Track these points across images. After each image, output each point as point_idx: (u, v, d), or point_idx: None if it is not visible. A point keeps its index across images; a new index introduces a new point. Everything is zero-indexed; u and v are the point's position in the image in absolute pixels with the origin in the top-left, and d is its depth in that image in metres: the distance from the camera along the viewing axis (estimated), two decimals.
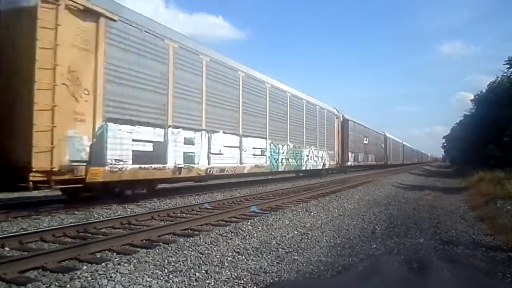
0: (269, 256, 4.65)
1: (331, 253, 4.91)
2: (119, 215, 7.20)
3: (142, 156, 8.09)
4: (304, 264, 4.40)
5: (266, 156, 13.99)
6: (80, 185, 6.91)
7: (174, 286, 3.51)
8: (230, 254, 4.64)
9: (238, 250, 4.82)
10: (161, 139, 8.70)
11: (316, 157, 19.66)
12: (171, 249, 4.67)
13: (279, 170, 15.41)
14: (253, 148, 13.05)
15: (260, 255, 4.67)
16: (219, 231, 5.74)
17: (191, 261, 4.25)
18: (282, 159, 15.42)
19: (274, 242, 5.33)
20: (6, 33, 6.50)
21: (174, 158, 9.08)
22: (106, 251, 4.60)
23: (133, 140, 7.87)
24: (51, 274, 3.67)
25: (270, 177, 17.87)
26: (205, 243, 5.04)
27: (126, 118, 7.72)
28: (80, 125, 6.80)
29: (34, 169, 5.97)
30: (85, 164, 6.84)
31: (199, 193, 11.21)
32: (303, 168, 18.14)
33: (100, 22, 7.10)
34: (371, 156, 32.89)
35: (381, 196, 12.35)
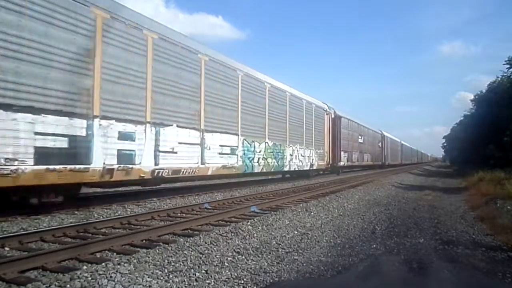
0: (269, 256, 4.65)
1: (331, 253, 4.91)
2: (119, 215, 7.20)
3: (51, 155, 6.30)
4: (304, 264, 4.40)
5: (237, 155, 12.01)
6: None
7: (174, 286, 3.51)
8: (230, 254, 4.64)
9: (238, 250, 4.82)
10: (82, 133, 6.87)
11: (302, 157, 17.77)
12: (171, 249, 4.67)
13: (255, 171, 13.38)
14: (220, 146, 11.10)
15: (260, 255, 4.67)
16: (219, 231, 5.75)
17: (191, 261, 4.25)
18: (259, 158, 13.46)
19: (274, 242, 5.33)
20: None
21: (103, 157, 7.26)
22: (106, 251, 4.60)
23: (36, 134, 6.08)
24: (51, 274, 3.67)
25: (244, 179, 16.37)
26: (205, 243, 5.05)
27: (23, 104, 5.90)
28: None
29: None
30: None
31: (199, 193, 11.21)
32: (286, 168, 16.26)
33: None
34: (367, 155, 31.48)
35: (381, 196, 12.35)
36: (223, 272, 3.97)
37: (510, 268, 4.31)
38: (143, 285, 3.45)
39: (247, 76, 12.74)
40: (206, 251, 4.68)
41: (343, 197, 10.97)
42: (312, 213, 7.90)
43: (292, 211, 7.89)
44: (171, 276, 3.73)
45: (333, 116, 22.82)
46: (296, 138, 17.11)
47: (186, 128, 9.60)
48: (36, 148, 6.10)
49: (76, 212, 7.30)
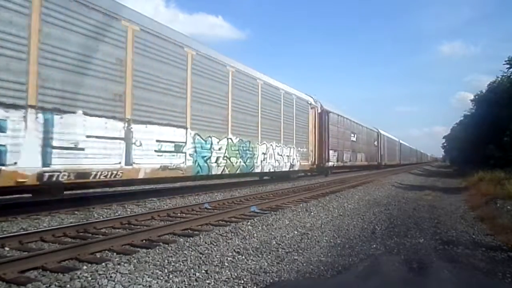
0: (269, 256, 4.65)
1: (331, 253, 4.91)
2: (119, 215, 7.21)
3: None
4: (304, 264, 4.40)
5: (185, 153, 9.65)
6: None
7: (174, 286, 3.51)
8: (230, 254, 4.64)
9: (238, 250, 4.82)
10: None
11: (280, 156, 15.45)
12: (171, 249, 4.67)
13: (213, 173, 10.97)
14: (159, 141, 8.75)
15: (260, 255, 4.67)
16: (219, 231, 5.75)
17: (191, 261, 4.25)
18: (218, 157, 11.07)
19: (274, 242, 5.33)
20: None
21: None
22: (106, 251, 4.60)
23: None
24: (51, 274, 3.67)
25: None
26: (205, 243, 5.05)
27: None
28: None
29: None
30: None
31: (199, 193, 11.21)
32: (258, 170, 13.64)
33: None
34: (360, 155, 29.15)
35: (381, 196, 12.35)
36: (223, 272, 3.97)
37: (510, 268, 4.30)
38: (143, 285, 3.45)
39: (201, 57, 10.39)
40: (206, 251, 4.68)
41: (343, 197, 10.97)
42: (312, 213, 7.90)
43: (292, 211, 7.89)
44: (171, 276, 3.73)
45: (319, 110, 20.35)
46: (272, 134, 14.78)
47: (100, 116, 7.32)
48: None
49: (76, 212, 7.31)
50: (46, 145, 6.41)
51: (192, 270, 3.93)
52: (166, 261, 4.20)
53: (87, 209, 7.58)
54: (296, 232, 6.09)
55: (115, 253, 4.54)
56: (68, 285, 3.37)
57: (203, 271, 3.93)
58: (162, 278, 3.66)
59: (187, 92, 9.77)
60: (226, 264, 4.25)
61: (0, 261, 3.78)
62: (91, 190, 9.22)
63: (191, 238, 5.29)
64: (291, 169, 16.68)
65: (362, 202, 10.46)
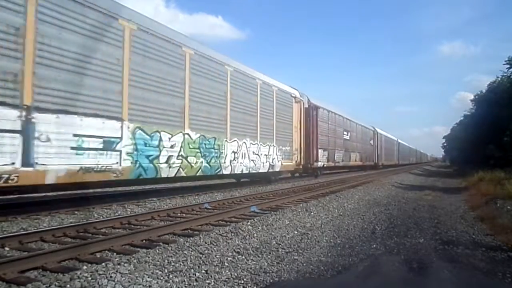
0: (269, 256, 4.65)
1: (331, 253, 4.91)
2: (119, 215, 7.21)
3: None
4: (304, 264, 4.40)
5: (120, 151, 7.66)
6: None
7: (174, 286, 3.51)
8: (230, 254, 4.64)
9: (238, 250, 4.82)
10: None
11: (256, 155, 13.27)
12: (171, 249, 4.67)
13: (163, 176, 8.90)
14: (77, 135, 6.78)
15: (260, 255, 4.67)
16: (219, 231, 5.75)
17: (191, 261, 4.25)
18: (169, 157, 9.07)
19: (274, 242, 5.33)
20: None
21: None
22: (106, 251, 4.60)
23: None
24: (51, 274, 3.67)
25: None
26: (205, 243, 5.05)
27: None
28: None
29: None
30: None
31: (199, 193, 11.22)
32: (226, 171, 11.56)
33: None
34: (354, 154, 27.15)
35: (381, 196, 12.35)
36: (223, 272, 3.97)
37: (510, 268, 4.30)
38: (143, 285, 3.45)
39: (143, 31, 8.27)
40: (206, 251, 4.68)
41: (343, 197, 10.97)
42: (312, 213, 7.90)
43: (292, 211, 7.89)
44: (171, 276, 3.73)
45: (306, 105, 18.09)
46: (245, 130, 12.62)
47: None
48: None
49: (76, 212, 7.31)
50: None
51: (192, 270, 3.93)
52: (166, 261, 4.20)
53: (87, 209, 7.58)
54: (296, 232, 6.09)
55: (115, 253, 4.54)
56: (68, 285, 3.37)
57: (203, 271, 3.93)
58: (162, 278, 3.66)
59: (123, 74, 7.68)
60: (226, 264, 4.25)
61: (0, 261, 3.78)
62: (91, 190, 9.20)
63: (191, 238, 5.29)
64: (270, 170, 14.49)
65: (362, 202, 10.46)
